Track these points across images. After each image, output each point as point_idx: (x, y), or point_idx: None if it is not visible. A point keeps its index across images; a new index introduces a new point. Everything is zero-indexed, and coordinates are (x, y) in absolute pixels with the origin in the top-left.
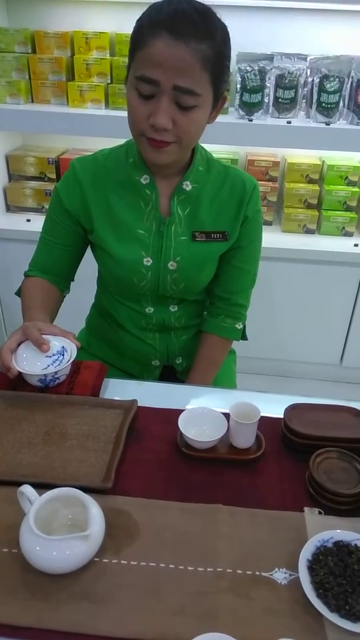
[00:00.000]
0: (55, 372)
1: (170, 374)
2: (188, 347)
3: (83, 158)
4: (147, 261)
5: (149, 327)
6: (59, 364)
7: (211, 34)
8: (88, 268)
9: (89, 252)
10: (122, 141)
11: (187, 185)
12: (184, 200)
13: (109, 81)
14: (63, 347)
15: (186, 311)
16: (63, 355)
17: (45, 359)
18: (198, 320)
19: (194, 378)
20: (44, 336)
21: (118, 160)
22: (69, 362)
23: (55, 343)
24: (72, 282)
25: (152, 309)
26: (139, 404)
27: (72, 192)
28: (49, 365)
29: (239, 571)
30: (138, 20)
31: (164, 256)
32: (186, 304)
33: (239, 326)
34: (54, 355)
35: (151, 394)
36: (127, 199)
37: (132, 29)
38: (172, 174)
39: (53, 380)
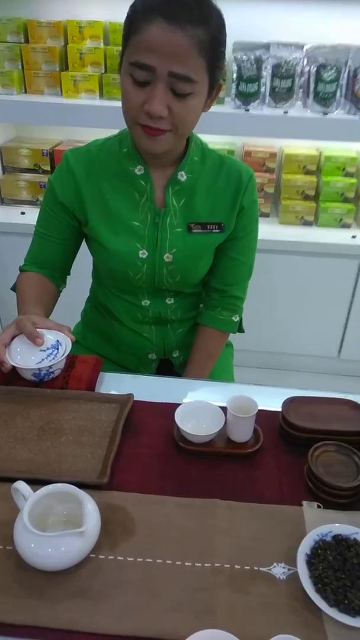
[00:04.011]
0: (50, 367)
1: (167, 368)
2: (185, 340)
3: (76, 149)
4: (143, 253)
5: (145, 320)
6: (53, 358)
7: (207, 19)
8: (83, 261)
9: (84, 245)
10: (116, 131)
11: (182, 176)
12: (179, 191)
13: (103, 71)
14: (58, 340)
15: (182, 304)
16: (57, 349)
17: (40, 353)
18: (194, 313)
19: (191, 371)
20: (38, 330)
21: (112, 150)
22: (64, 356)
23: (50, 337)
24: (68, 276)
25: (148, 302)
26: (135, 398)
27: (65, 184)
28: (43, 360)
29: (237, 566)
30: (132, 5)
31: (159, 248)
32: (182, 296)
33: (236, 319)
34: (48, 349)
35: (147, 387)
36: (121, 190)
37: (125, 16)
38: (166, 164)
39: (47, 374)
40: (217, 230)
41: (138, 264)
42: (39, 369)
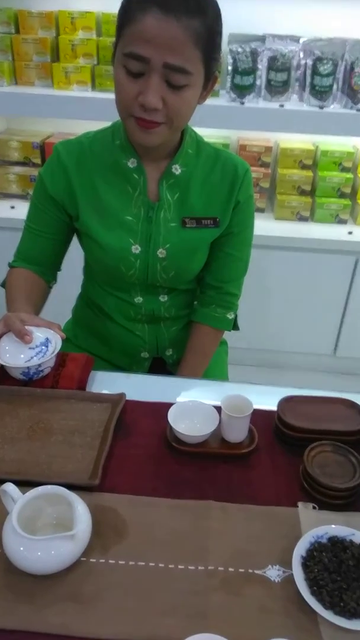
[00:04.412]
0: (39, 365)
1: (160, 366)
2: (178, 338)
3: (67, 142)
4: (136, 249)
5: (138, 318)
6: (42, 356)
7: (203, 10)
8: (75, 257)
9: (75, 241)
10: (108, 124)
11: (177, 169)
12: (173, 185)
13: (95, 62)
14: (47, 338)
15: (176, 301)
16: (47, 346)
17: (29, 350)
18: (188, 311)
19: (185, 370)
20: (27, 327)
21: (104, 143)
22: (53, 354)
23: (39, 335)
24: (58, 272)
25: (141, 299)
26: (127, 398)
27: (56, 177)
28: (32, 358)
29: (231, 569)
30: None
31: (153, 243)
32: (176, 293)
33: (231, 316)
34: (37, 347)
35: (140, 386)
36: (113, 184)
37: (118, 6)
38: (160, 157)
39: (37, 372)
40: (211, 225)
41: (131, 260)
42: (28, 368)
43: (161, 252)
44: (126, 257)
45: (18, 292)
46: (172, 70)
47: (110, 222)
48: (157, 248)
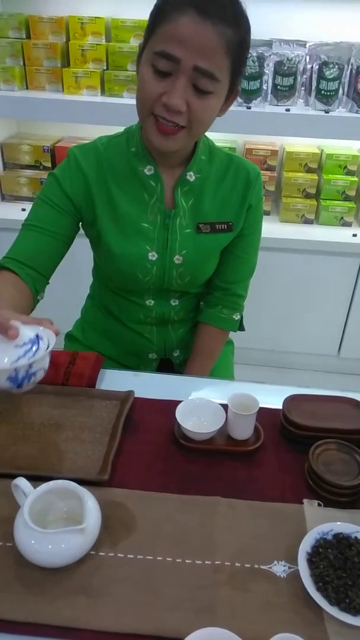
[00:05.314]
0: (30, 365)
1: (167, 367)
2: (185, 340)
3: (83, 146)
4: (152, 255)
5: (147, 320)
6: (33, 355)
7: (237, 21)
8: (83, 257)
9: (80, 241)
10: (118, 129)
11: (191, 176)
12: (188, 192)
13: (104, 67)
14: (37, 335)
15: (186, 304)
16: (38, 345)
17: (14, 349)
18: (196, 313)
19: (191, 370)
20: (11, 322)
21: (119, 149)
22: (47, 351)
23: (27, 332)
24: (52, 283)
25: (153, 302)
26: (136, 395)
27: (75, 180)
28: (19, 358)
29: (238, 564)
30: None
31: (169, 250)
32: (188, 297)
33: (237, 317)
34: (25, 344)
35: (148, 385)
36: (129, 191)
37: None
38: (175, 164)
39: (27, 377)
40: (225, 230)
41: (147, 266)
42: (16, 370)
43: (177, 259)
44: (143, 264)
45: (3, 297)
46: (201, 74)
47: (127, 230)
48: (173, 255)
